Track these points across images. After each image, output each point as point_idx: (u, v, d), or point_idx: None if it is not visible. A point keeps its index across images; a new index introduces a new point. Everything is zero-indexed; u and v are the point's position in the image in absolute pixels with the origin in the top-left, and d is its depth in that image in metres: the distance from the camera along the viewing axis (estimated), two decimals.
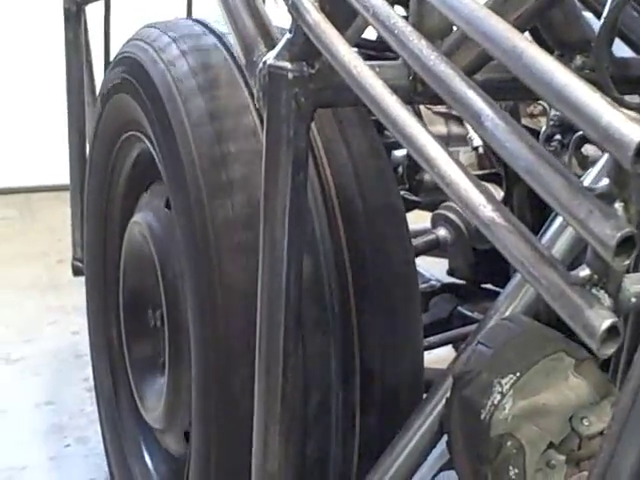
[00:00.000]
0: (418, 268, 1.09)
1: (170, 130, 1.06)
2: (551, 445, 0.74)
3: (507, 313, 0.89)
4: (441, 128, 1.43)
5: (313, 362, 0.96)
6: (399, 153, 1.42)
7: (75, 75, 1.86)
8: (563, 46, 0.91)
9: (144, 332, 1.35)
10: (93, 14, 1.88)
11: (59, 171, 2.26)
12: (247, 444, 0.88)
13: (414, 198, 1.41)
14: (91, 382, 1.63)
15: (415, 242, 1.25)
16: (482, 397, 0.77)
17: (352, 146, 1.02)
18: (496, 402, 0.76)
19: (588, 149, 1.11)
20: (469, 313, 1.48)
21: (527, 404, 0.75)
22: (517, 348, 0.78)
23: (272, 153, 0.84)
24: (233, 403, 0.97)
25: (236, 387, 0.96)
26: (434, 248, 1.34)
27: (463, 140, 1.41)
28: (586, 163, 1.08)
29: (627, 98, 0.82)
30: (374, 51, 1.29)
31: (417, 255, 1.21)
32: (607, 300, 0.55)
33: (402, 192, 1.38)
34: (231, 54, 1.09)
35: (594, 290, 0.55)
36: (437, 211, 1.34)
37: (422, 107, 1.41)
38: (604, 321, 0.51)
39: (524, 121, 1.32)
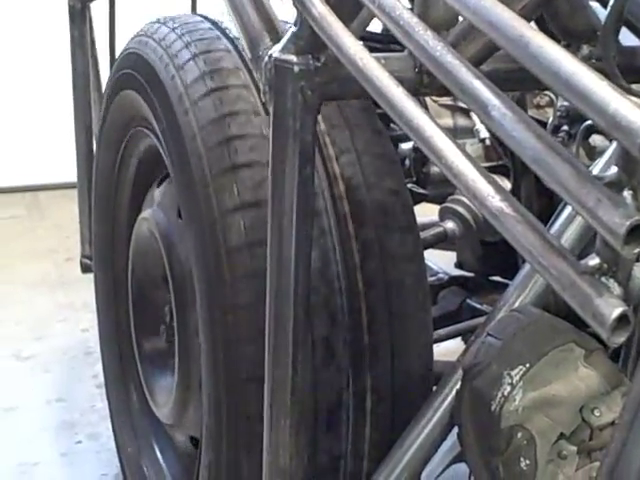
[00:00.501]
0: (426, 261, 1.09)
1: (176, 126, 1.06)
2: (562, 436, 0.74)
3: (516, 304, 0.88)
4: (448, 121, 1.43)
5: (324, 359, 0.96)
6: (406, 146, 1.42)
7: (81, 72, 1.86)
8: (569, 35, 0.91)
9: (154, 328, 1.36)
10: (98, 11, 1.88)
11: (66, 169, 2.27)
12: (258, 441, 0.88)
13: (421, 191, 1.41)
14: (101, 379, 1.63)
15: (423, 235, 1.24)
16: (492, 389, 0.77)
17: (359, 138, 1.02)
18: (506, 393, 0.76)
19: (595, 140, 1.11)
20: (478, 305, 1.47)
21: (537, 395, 0.75)
22: (526, 339, 0.78)
23: (279, 146, 0.84)
24: (245, 407, 0.97)
25: (249, 391, 0.95)
26: (442, 241, 1.34)
27: (470, 132, 1.40)
28: (593, 154, 1.08)
29: (634, 87, 0.82)
30: (380, 44, 1.28)
31: (425, 248, 1.21)
32: (617, 289, 0.55)
33: (409, 185, 1.37)
34: (235, 45, 1.09)
35: (604, 279, 0.55)
36: (445, 204, 1.34)
37: (428, 100, 1.41)
38: (614, 310, 0.51)
39: (531, 112, 1.31)
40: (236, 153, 0.98)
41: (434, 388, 0.93)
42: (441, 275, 1.53)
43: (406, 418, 0.92)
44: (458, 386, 0.83)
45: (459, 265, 1.54)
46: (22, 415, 1.85)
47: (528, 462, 0.75)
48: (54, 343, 2.12)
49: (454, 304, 1.49)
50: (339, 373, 0.96)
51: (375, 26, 1.17)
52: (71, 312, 2.23)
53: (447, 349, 1.42)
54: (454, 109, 1.43)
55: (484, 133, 1.37)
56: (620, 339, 0.52)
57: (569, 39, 0.91)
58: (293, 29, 0.82)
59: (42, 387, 1.95)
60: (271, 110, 0.84)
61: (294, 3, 0.82)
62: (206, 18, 1.21)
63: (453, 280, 1.54)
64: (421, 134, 0.64)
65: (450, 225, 1.32)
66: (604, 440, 0.72)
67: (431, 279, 1.47)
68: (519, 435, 0.75)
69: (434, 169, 1.39)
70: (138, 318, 1.41)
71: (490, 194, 0.56)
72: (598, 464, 0.71)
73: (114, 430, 1.54)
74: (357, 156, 1.00)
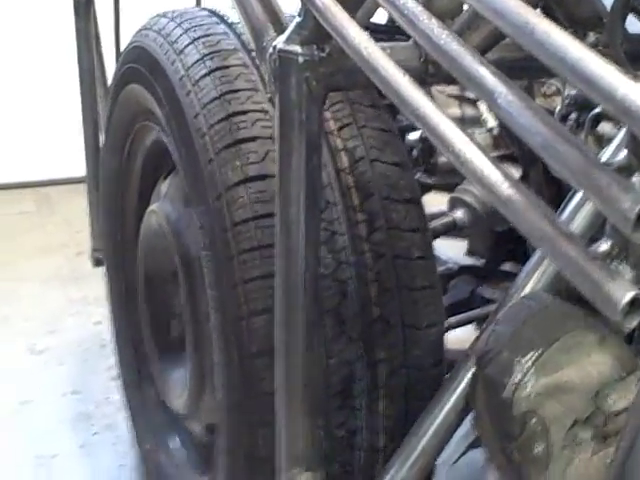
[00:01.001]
0: (436, 252, 1.09)
1: (179, 108, 1.07)
2: (576, 422, 0.74)
3: (527, 291, 0.88)
4: (455, 111, 1.42)
5: (336, 344, 0.96)
6: (413, 137, 1.42)
7: (86, 67, 1.86)
8: (575, 22, 0.90)
9: (166, 320, 1.36)
10: (102, 5, 1.88)
11: (74, 164, 2.27)
12: (273, 417, 0.88)
13: (429, 181, 1.40)
14: (115, 371, 1.64)
15: (432, 225, 1.24)
16: (503, 376, 0.77)
17: (359, 113, 1.02)
18: (517, 380, 0.76)
19: (604, 127, 1.10)
20: (489, 294, 1.47)
21: (549, 381, 0.75)
22: (537, 325, 0.77)
23: (285, 137, 0.84)
24: (258, 383, 0.97)
25: (259, 368, 0.96)
26: (451, 230, 1.33)
27: (477, 122, 1.40)
28: (602, 142, 1.07)
29: None
30: (384, 35, 1.28)
31: (435, 237, 1.21)
32: (628, 273, 0.55)
33: (417, 175, 1.37)
34: (241, 41, 1.10)
35: (615, 264, 0.55)
36: (453, 194, 1.33)
37: (435, 91, 1.40)
38: (626, 293, 0.51)
39: (538, 101, 1.30)
40: (238, 129, 0.99)
41: (447, 376, 0.93)
42: (451, 265, 1.53)
43: (420, 390, 0.92)
44: (471, 373, 0.83)
45: (469, 254, 1.54)
46: (38, 408, 1.86)
47: (543, 448, 0.75)
48: (67, 336, 2.14)
49: (465, 292, 1.48)
50: (350, 345, 0.96)
51: (379, 17, 1.17)
52: (83, 305, 2.24)
53: (459, 338, 1.42)
54: (461, 99, 1.42)
55: (492, 122, 1.37)
56: (633, 323, 0.52)
57: (575, 26, 0.90)
58: (297, 20, 0.82)
59: (57, 380, 1.96)
60: (277, 102, 0.84)
61: None
62: (204, 8, 1.23)
63: (463, 269, 1.54)
64: (428, 123, 0.64)
65: (459, 214, 1.32)
66: (619, 425, 0.72)
67: (441, 269, 1.47)
68: (533, 421, 0.75)
69: (442, 159, 1.39)
70: (150, 311, 1.42)
71: (499, 181, 0.56)
72: (614, 449, 0.71)
73: (132, 425, 1.55)
74: (358, 129, 1.01)
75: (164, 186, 1.35)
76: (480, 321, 1.41)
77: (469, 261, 1.56)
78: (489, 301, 1.44)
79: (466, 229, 1.32)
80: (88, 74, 1.86)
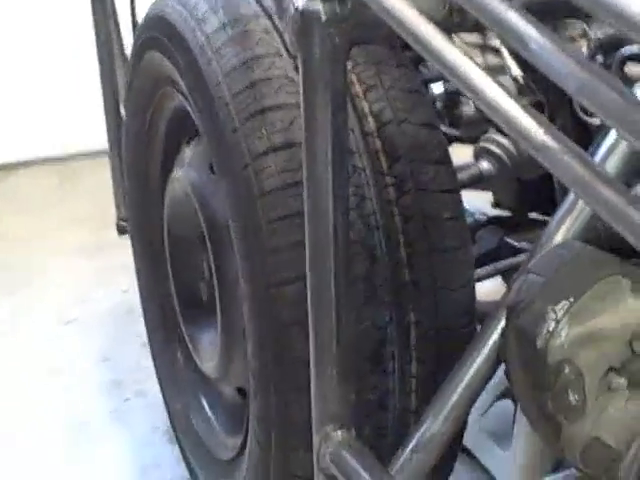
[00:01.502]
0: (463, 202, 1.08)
1: (201, 77, 1.06)
2: (611, 369, 0.74)
3: (559, 239, 0.88)
4: (478, 60, 1.40)
5: (367, 309, 0.96)
6: (436, 89, 1.40)
7: (104, 38, 1.86)
8: None
9: (193, 285, 1.37)
10: None
11: (95, 136, 2.28)
12: (305, 385, 0.89)
13: (454, 133, 1.39)
14: (145, 337, 1.66)
15: (458, 177, 1.23)
16: (536, 326, 0.77)
17: (385, 74, 1.00)
18: (551, 329, 0.76)
19: (631, 69, 1.08)
20: (516, 244, 1.46)
21: (583, 329, 0.75)
22: (570, 274, 0.77)
23: (310, 96, 0.83)
24: (290, 350, 0.98)
25: (293, 334, 0.96)
26: (478, 181, 1.32)
27: (502, 71, 1.38)
28: (630, 82, 1.05)
29: None
30: None
31: (461, 189, 1.20)
32: None
33: (441, 127, 1.36)
34: (262, 6, 1.08)
35: None
36: (479, 144, 1.32)
37: (456, 40, 1.38)
38: None
39: None
40: (262, 96, 0.98)
41: (478, 328, 0.94)
42: (478, 216, 1.52)
43: (451, 352, 0.93)
44: (502, 324, 0.83)
45: (496, 205, 1.53)
46: (70, 376, 1.89)
47: (577, 396, 0.75)
48: (96, 305, 2.16)
49: (492, 243, 1.48)
50: (381, 309, 0.96)
51: None
52: (110, 275, 2.26)
53: (488, 290, 1.42)
54: (483, 48, 1.40)
55: (515, 70, 1.35)
56: None
57: None
58: None
59: (87, 348, 1.99)
60: (300, 61, 0.83)
61: None
62: None
63: (491, 220, 1.53)
64: (456, 71, 0.63)
65: (485, 165, 1.31)
66: None
67: (468, 220, 1.46)
68: (567, 370, 0.75)
69: (466, 110, 1.37)
70: (177, 276, 1.43)
71: (533, 128, 0.55)
72: None
73: (161, 388, 1.57)
74: (384, 91, 0.99)
75: (188, 152, 1.35)
76: (508, 272, 1.40)
77: (495, 212, 1.55)
78: (517, 251, 1.43)
79: (492, 179, 1.31)
80: (105, 44, 1.86)
